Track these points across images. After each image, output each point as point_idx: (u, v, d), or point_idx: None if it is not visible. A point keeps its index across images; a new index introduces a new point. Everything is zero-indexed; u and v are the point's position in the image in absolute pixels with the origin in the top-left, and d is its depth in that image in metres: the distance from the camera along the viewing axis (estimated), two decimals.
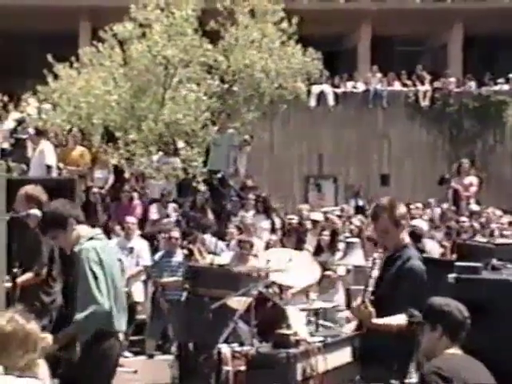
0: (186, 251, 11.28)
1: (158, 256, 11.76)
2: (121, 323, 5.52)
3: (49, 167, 13.59)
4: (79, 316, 5.22)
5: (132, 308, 11.37)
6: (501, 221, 15.60)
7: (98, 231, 5.72)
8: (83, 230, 5.57)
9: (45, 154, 13.76)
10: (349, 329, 6.94)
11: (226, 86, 16.16)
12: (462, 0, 27.95)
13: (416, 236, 10.80)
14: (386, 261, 5.57)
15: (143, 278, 12.13)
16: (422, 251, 10.80)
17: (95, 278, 5.25)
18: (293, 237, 10.31)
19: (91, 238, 5.47)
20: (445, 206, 16.68)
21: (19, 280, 6.54)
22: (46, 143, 14.08)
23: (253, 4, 16.19)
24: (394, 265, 5.47)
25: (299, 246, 10.22)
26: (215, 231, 12.83)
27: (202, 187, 14.77)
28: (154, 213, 13.87)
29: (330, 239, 11.55)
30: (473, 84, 24.70)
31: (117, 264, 5.64)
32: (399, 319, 5.21)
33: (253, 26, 15.95)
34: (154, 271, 11.62)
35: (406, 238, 5.63)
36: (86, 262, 5.29)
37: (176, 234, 11.69)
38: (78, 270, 5.37)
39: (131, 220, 12.47)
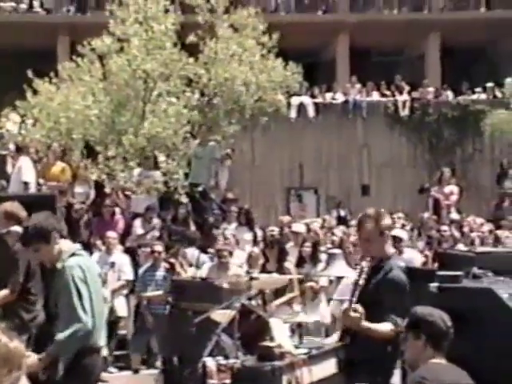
0: (167, 265, 11.27)
1: (141, 270, 11.74)
2: (101, 338, 5.50)
3: (26, 184, 13.53)
4: (61, 335, 5.18)
5: (115, 323, 11.35)
6: (481, 229, 15.70)
7: (78, 246, 5.70)
8: (65, 245, 5.54)
9: (22, 170, 13.71)
10: (331, 340, 6.97)
11: (206, 98, 16.18)
12: (438, 10, 28.15)
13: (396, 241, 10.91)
14: (369, 271, 5.62)
15: (125, 292, 12.09)
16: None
17: (79, 295, 5.22)
18: (275, 249, 10.32)
19: (73, 254, 5.45)
20: (425, 215, 16.77)
21: None
22: (24, 159, 14.03)
23: (233, 18, 16.25)
24: (377, 275, 5.52)
25: (281, 257, 10.23)
26: (199, 244, 12.82)
27: (184, 199, 14.76)
28: (138, 227, 13.80)
29: (311, 250, 11.58)
30: (450, 94, 24.88)
31: (98, 279, 5.62)
32: (385, 326, 5.25)
33: (233, 39, 15.99)
34: (138, 285, 11.59)
35: (389, 248, 5.70)
36: (70, 280, 5.25)
37: (159, 247, 11.68)
38: (59, 286, 5.34)
39: (112, 235, 12.45)
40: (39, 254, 5.59)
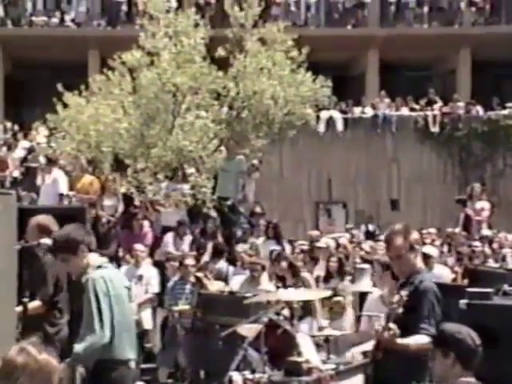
0: (193, 279, 11.25)
1: (170, 283, 11.73)
2: (130, 351, 5.49)
3: (62, 196, 13.65)
4: (78, 347, 5.19)
5: (141, 336, 11.34)
6: None
7: (104, 260, 5.70)
8: (93, 258, 5.56)
9: (58, 182, 13.83)
10: (359, 350, 6.91)
11: (235, 112, 16.20)
12: (469, 25, 28.03)
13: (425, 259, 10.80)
14: (399, 287, 5.59)
15: (152, 305, 12.09)
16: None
17: (99, 308, 5.22)
18: (283, 264, 10.30)
19: (99, 267, 5.46)
20: (456, 230, 16.63)
21: (29, 307, 6.55)
22: (58, 172, 14.15)
23: (262, 32, 16.27)
24: (408, 289, 5.47)
25: (294, 271, 10.20)
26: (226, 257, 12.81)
27: (213, 213, 14.77)
28: (169, 242, 13.75)
29: (338, 265, 11.53)
30: (480, 109, 24.72)
31: (125, 292, 5.61)
32: (420, 339, 5.20)
33: (262, 53, 16.00)
34: (168, 299, 11.57)
35: (418, 263, 5.66)
36: (92, 292, 5.27)
37: (190, 261, 11.65)
38: (84, 300, 5.35)
39: (140, 248, 12.46)
40: (66, 265, 5.61)
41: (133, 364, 5.52)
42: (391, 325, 5.11)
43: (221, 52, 15.80)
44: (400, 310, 5.22)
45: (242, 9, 16.10)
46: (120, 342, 5.34)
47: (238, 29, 16.07)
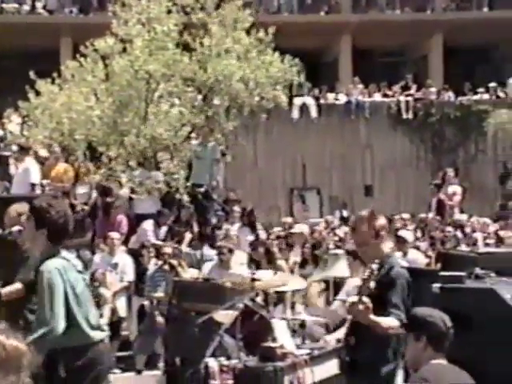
0: (167, 266, 11.26)
1: (151, 271, 11.72)
2: (96, 334, 5.47)
3: (33, 185, 13.54)
4: (31, 337, 5.19)
5: (117, 324, 11.34)
6: (486, 229, 15.67)
7: (64, 253, 5.65)
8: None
9: (30, 171, 13.70)
10: (333, 337, 6.95)
11: (201, 96, 16.08)
12: (441, 10, 28.15)
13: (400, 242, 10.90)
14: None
15: (127, 293, 12.08)
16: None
17: (51, 299, 5.22)
18: (260, 251, 10.36)
19: (53, 255, 5.42)
20: (429, 215, 16.74)
21: (3, 291, 6.52)
22: (30, 161, 14.03)
23: (224, 14, 16.15)
24: (379, 273, 5.48)
25: (270, 258, 10.25)
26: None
27: (186, 199, 14.75)
28: (150, 231, 13.70)
29: (311, 252, 11.59)
30: (452, 94, 24.86)
31: (81, 281, 5.57)
32: (391, 321, 5.22)
33: (224, 34, 15.90)
34: (148, 286, 11.57)
35: (386, 248, 5.66)
36: (45, 283, 5.26)
37: (169, 249, 11.66)
38: (37, 291, 5.35)
39: (115, 236, 12.44)
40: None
41: (105, 342, 5.51)
42: (364, 298, 5.12)
43: (186, 37, 15.68)
44: (372, 284, 5.21)
45: None
46: (78, 329, 5.33)
47: (199, 13, 15.94)
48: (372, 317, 5.16)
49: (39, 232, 5.46)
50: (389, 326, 5.21)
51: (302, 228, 13.33)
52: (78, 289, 5.41)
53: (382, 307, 5.27)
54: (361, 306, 5.13)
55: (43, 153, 15.21)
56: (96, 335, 5.47)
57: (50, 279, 5.25)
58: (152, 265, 11.96)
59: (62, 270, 5.33)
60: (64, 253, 5.52)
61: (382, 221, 5.63)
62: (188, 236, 13.40)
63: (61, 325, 5.20)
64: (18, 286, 6.88)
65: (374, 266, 5.32)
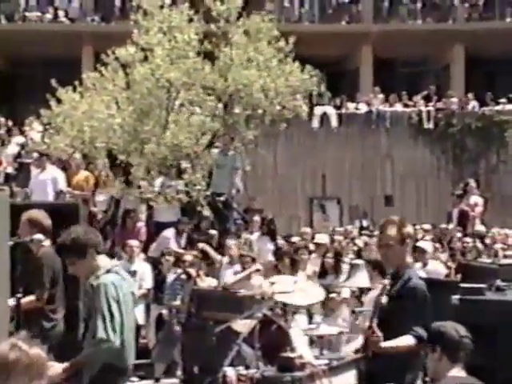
0: (184, 275, 11.25)
1: (170, 279, 11.72)
2: (130, 357, 5.51)
3: (59, 192, 13.66)
4: (89, 351, 5.20)
5: (136, 332, 11.34)
6: (507, 241, 15.55)
7: (114, 263, 5.69)
8: (102, 261, 5.53)
9: (57, 179, 13.86)
10: (351, 348, 6.92)
11: (221, 105, 16.08)
12: (463, 20, 28.05)
13: (419, 252, 10.84)
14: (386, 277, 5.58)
15: (145, 301, 12.09)
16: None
17: (111, 315, 5.23)
18: (286, 261, 10.34)
19: (108, 271, 5.44)
20: (450, 226, 16.64)
21: (22, 302, 6.54)
22: (55, 169, 14.17)
23: (247, 24, 16.17)
24: (396, 284, 5.46)
25: (294, 268, 10.23)
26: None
27: (206, 211, 14.76)
28: (171, 238, 13.64)
29: (333, 261, 11.54)
30: (474, 103, 24.72)
31: (130, 298, 5.61)
32: (406, 340, 5.19)
33: (247, 44, 15.91)
34: (167, 294, 11.57)
35: (408, 258, 5.64)
36: (103, 298, 5.25)
37: (189, 257, 11.65)
38: (93, 303, 5.33)
39: (134, 243, 12.46)
40: (75, 268, 5.57)
41: (130, 369, 5.54)
42: (375, 327, 5.11)
43: (207, 46, 15.72)
44: (384, 300, 5.20)
45: (223, 2, 15.99)
46: (125, 348, 5.35)
47: (223, 22, 15.97)
48: (384, 345, 5.15)
49: (88, 257, 5.45)
50: (405, 347, 5.19)
51: (323, 238, 13.28)
52: (128, 307, 5.43)
53: (399, 321, 5.24)
54: (372, 338, 5.12)
55: (63, 162, 15.33)
56: (131, 359, 5.51)
57: (108, 293, 5.27)
58: (172, 273, 11.97)
59: (118, 286, 5.35)
60: (116, 267, 5.56)
61: (410, 229, 5.65)
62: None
63: (118, 340, 5.22)
64: (31, 298, 6.91)
65: (387, 281, 5.30)
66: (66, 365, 5.23)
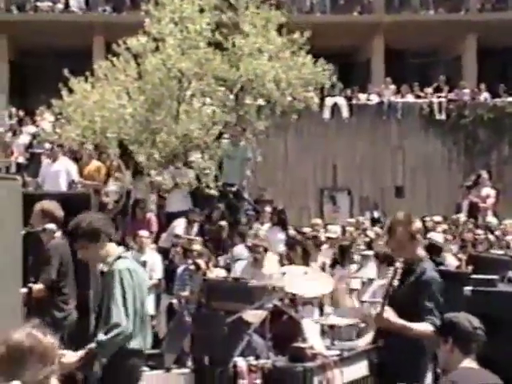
0: (193, 266, 11.26)
1: (180, 269, 11.74)
2: (146, 342, 5.52)
3: (72, 182, 13.74)
4: (103, 337, 5.21)
5: None
6: None
7: (122, 249, 5.70)
8: (112, 248, 5.56)
9: (69, 170, 13.95)
10: (364, 342, 6.91)
11: (232, 96, 16.06)
12: (475, 11, 27.90)
13: (436, 249, 10.80)
14: (401, 274, 5.57)
15: (156, 291, 12.11)
16: (441, 264, 10.79)
17: (124, 300, 5.24)
18: (298, 251, 10.35)
19: (119, 257, 5.45)
20: (462, 217, 16.60)
21: (34, 287, 6.59)
22: (67, 160, 14.24)
23: (255, 14, 16.11)
24: (410, 278, 5.46)
25: (306, 258, 10.24)
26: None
27: (215, 192, 14.74)
28: (181, 227, 13.72)
29: (341, 253, 11.57)
30: (486, 95, 24.61)
31: (145, 284, 5.62)
32: (425, 326, 5.20)
33: (256, 34, 15.86)
34: (177, 284, 11.59)
35: (421, 251, 5.65)
36: (118, 283, 5.26)
37: (198, 246, 11.66)
38: (106, 290, 5.35)
39: (145, 234, 12.48)
40: (86, 252, 5.57)
41: (144, 354, 5.55)
42: (386, 307, 5.11)
43: (218, 36, 15.69)
44: (396, 283, 5.21)
45: None
46: (139, 332, 5.37)
47: (231, 12, 15.93)
48: (398, 320, 5.14)
49: (99, 243, 5.47)
50: (422, 332, 5.19)
51: (335, 231, 13.30)
52: (143, 293, 5.45)
53: (413, 310, 5.24)
54: (385, 314, 5.12)
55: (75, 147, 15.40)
56: (146, 343, 5.52)
57: (124, 279, 5.28)
58: (183, 264, 11.98)
59: (133, 270, 5.36)
60: (128, 254, 5.57)
61: (418, 224, 5.67)
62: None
63: (131, 325, 5.23)
64: (39, 286, 6.95)
65: (399, 265, 5.30)
66: (80, 353, 5.24)
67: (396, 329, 5.18)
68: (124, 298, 5.24)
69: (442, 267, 9.19)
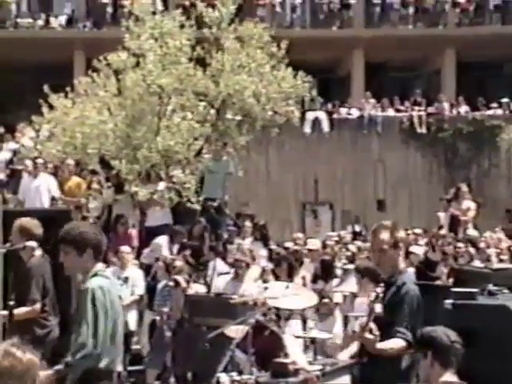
0: (171, 282, 11.20)
1: (160, 285, 11.70)
2: (117, 363, 5.46)
3: (53, 199, 13.68)
4: (71, 359, 5.16)
5: (127, 338, 11.31)
6: (499, 245, 15.58)
7: (100, 266, 5.62)
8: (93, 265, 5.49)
9: (50, 186, 13.87)
10: (345, 356, 6.91)
11: (213, 111, 16.06)
12: (454, 26, 28.12)
13: (432, 265, 10.85)
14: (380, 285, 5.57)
15: (137, 307, 12.05)
16: (437, 279, 10.84)
17: (95, 320, 5.19)
18: (283, 266, 10.35)
19: (95, 274, 5.39)
20: (442, 230, 16.65)
21: (15, 312, 6.52)
22: (48, 176, 14.17)
23: (240, 30, 16.16)
24: (389, 290, 5.46)
25: (291, 273, 10.23)
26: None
27: (196, 206, 14.70)
28: (164, 247, 13.50)
29: (323, 268, 11.57)
30: (465, 108, 24.79)
31: (118, 302, 5.56)
32: (397, 342, 5.19)
33: (239, 50, 15.90)
34: (158, 300, 11.54)
35: (401, 263, 5.64)
36: (90, 301, 5.21)
37: (180, 263, 11.62)
38: (80, 307, 5.30)
39: (126, 249, 12.43)
40: (66, 259, 5.47)
41: (115, 376, 5.48)
42: (372, 325, 5.10)
43: (199, 52, 15.70)
44: (378, 309, 5.19)
45: (214, 8, 15.99)
46: (109, 354, 5.30)
47: (214, 28, 15.95)
48: (378, 346, 5.14)
49: (84, 256, 5.39)
50: (395, 349, 5.18)
51: (315, 243, 13.30)
52: (116, 312, 5.38)
53: (393, 327, 5.24)
54: (368, 335, 5.11)
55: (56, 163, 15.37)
56: (118, 366, 5.46)
57: (96, 298, 5.21)
58: (164, 280, 11.94)
59: (106, 290, 5.30)
60: (107, 271, 5.50)
61: (402, 234, 5.67)
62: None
63: (100, 347, 5.18)
64: (27, 309, 6.89)
65: (379, 290, 5.30)
66: (48, 372, 5.19)
67: (374, 351, 5.18)
68: (96, 317, 5.19)
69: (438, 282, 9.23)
